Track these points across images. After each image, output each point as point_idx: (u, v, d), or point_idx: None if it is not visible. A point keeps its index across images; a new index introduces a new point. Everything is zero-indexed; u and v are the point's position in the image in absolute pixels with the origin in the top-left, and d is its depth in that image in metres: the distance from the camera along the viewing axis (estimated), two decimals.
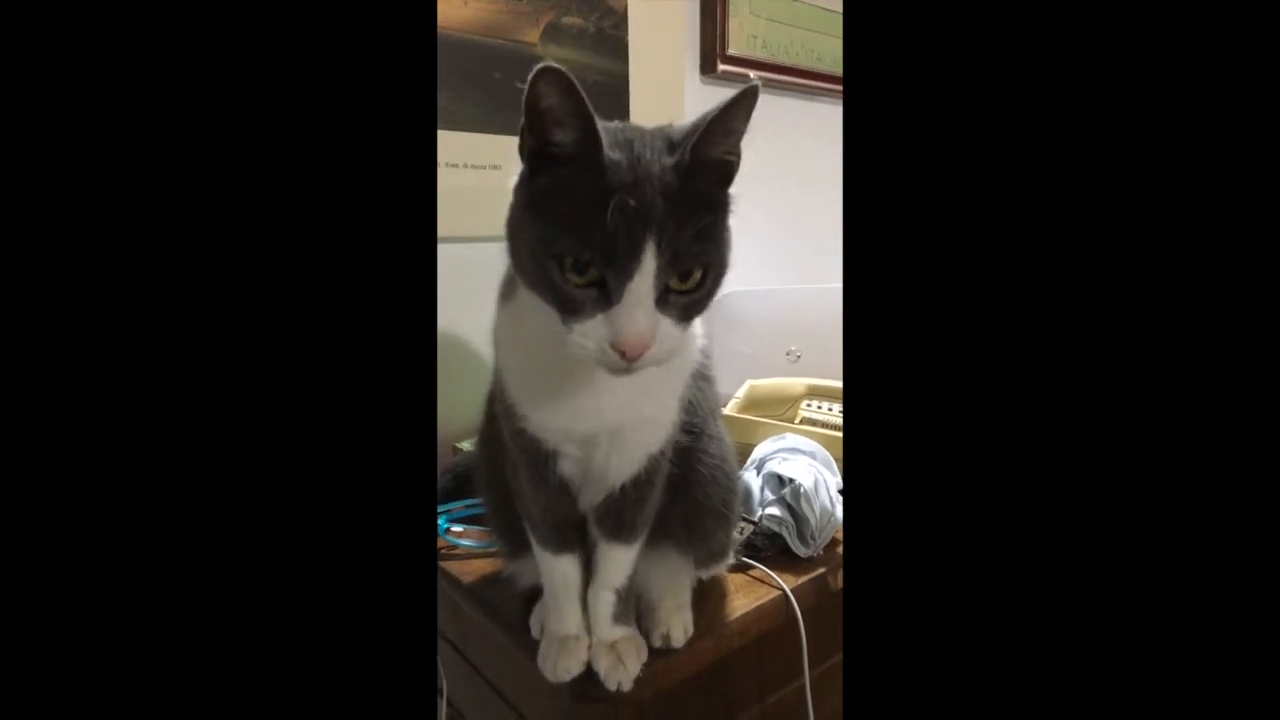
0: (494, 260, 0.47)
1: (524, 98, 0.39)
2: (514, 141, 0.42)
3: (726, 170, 0.42)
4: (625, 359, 0.39)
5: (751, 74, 1.18)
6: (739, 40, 1.16)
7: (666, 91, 1.09)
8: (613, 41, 1.00)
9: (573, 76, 0.37)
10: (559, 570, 0.53)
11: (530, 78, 0.38)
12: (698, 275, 0.41)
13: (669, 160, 0.39)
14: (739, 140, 0.41)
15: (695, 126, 0.40)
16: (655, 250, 0.38)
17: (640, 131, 0.42)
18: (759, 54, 1.20)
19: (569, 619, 0.53)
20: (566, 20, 0.95)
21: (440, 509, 0.73)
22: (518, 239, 0.42)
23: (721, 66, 1.14)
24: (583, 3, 0.96)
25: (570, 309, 0.40)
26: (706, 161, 0.40)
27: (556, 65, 0.37)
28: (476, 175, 0.91)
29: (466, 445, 0.88)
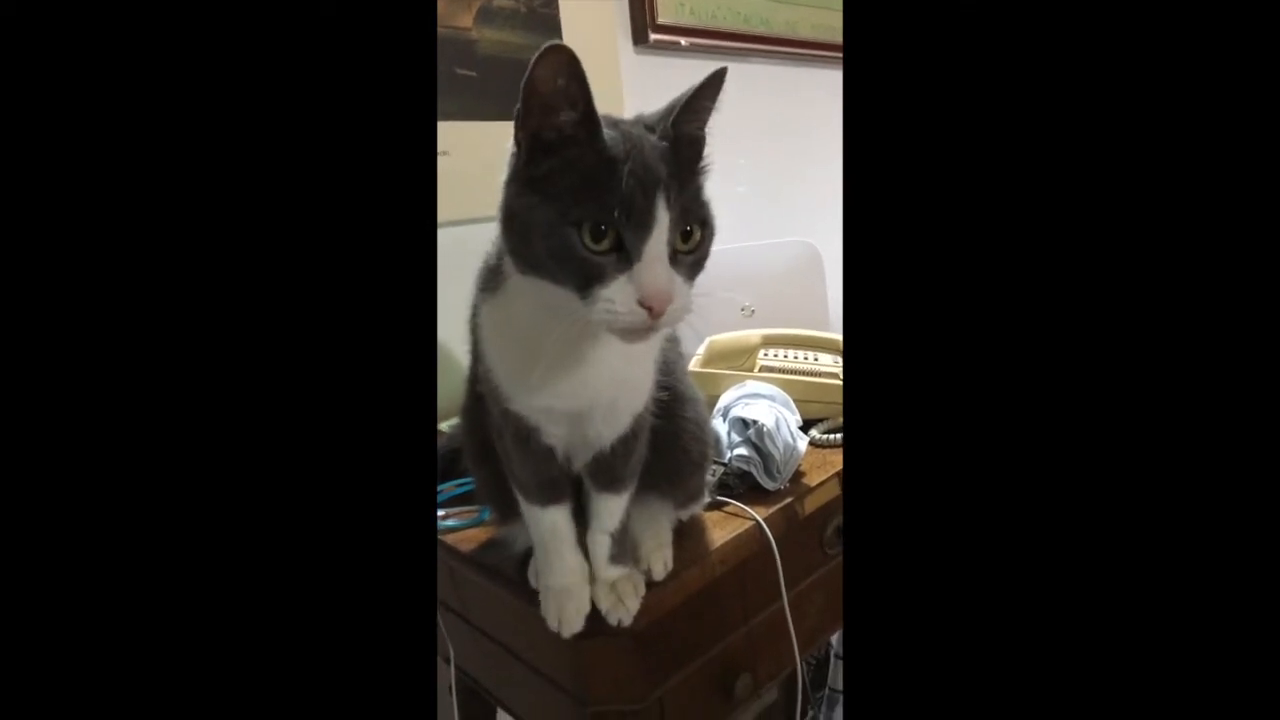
0: (446, 245, 0.49)
1: (524, 82, 0.41)
2: (457, 127, 0.45)
3: (698, 146, 0.46)
4: (652, 315, 0.42)
5: (682, 40, 1.21)
6: (667, 9, 1.19)
7: (601, 65, 1.11)
8: (544, 19, 1.02)
9: (577, 58, 0.40)
10: (547, 522, 0.56)
11: (535, 60, 0.40)
12: (697, 234, 0.45)
13: (653, 136, 0.44)
14: (707, 118, 0.46)
15: (671, 108, 0.45)
16: (666, 205, 0.42)
17: (616, 117, 0.46)
18: (687, 20, 1.23)
19: (563, 570, 0.56)
20: (498, 3, 0.96)
21: None
22: (524, 223, 0.44)
23: (653, 36, 1.17)
24: None
25: (593, 276, 0.42)
26: (683, 137, 0.45)
27: (562, 44, 0.40)
28: None
29: (443, 426, 0.90)
